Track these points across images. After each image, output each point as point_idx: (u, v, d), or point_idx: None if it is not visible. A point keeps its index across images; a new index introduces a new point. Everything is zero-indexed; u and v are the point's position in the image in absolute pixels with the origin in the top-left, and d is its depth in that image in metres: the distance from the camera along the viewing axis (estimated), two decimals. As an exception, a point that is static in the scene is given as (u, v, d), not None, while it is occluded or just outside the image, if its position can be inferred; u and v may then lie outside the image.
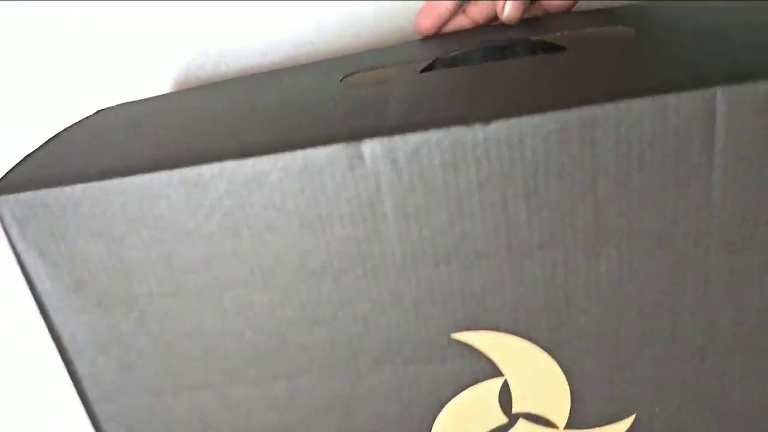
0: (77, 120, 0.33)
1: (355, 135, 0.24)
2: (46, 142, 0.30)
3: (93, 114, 0.34)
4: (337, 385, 0.28)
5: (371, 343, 0.27)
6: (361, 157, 0.24)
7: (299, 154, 0.24)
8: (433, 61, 0.32)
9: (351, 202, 0.25)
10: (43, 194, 0.26)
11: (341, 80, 0.31)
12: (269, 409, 0.29)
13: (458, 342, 0.27)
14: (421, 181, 0.24)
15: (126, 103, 0.36)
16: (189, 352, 0.28)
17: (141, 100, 0.36)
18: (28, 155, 0.29)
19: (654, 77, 0.24)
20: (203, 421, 0.29)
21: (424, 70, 0.31)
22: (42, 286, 0.27)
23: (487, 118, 0.23)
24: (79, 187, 0.25)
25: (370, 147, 0.24)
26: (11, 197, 0.26)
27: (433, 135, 0.23)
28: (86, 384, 0.29)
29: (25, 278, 0.27)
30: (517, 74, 0.27)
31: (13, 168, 0.28)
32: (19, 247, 0.27)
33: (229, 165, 0.24)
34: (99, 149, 0.28)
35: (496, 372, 0.28)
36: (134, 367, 0.28)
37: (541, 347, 0.27)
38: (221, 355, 0.28)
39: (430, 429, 0.29)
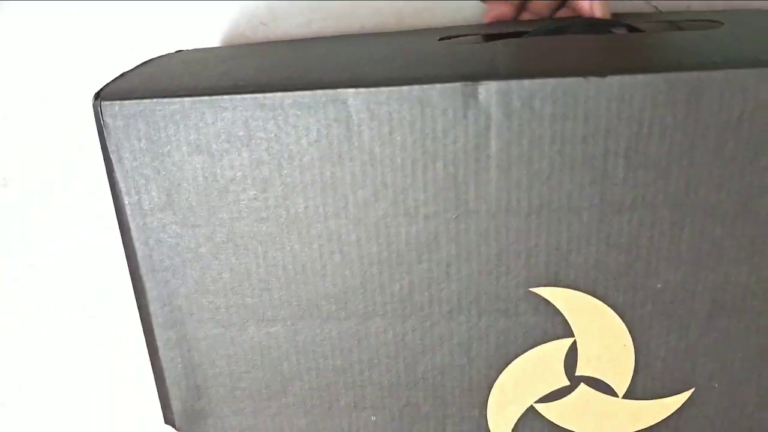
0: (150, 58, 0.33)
1: (472, 76, 0.25)
2: (137, 66, 0.30)
3: (172, 53, 0.35)
4: (407, 331, 0.29)
5: (449, 291, 0.28)
6: (475, 98, 0.25)
7: (416, 89, 0.25)
8: (522, 32, 0.33)
9: (458, 142, 0.25)
10: (149, 104, 0.26)
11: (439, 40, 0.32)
12: (335, 350, 0.29)
13: (535, 296, 0.28)
14: (529, 129, 0.25)
15: (205, 48, 0.36)
16: (266, 284, 0.28)
17: (221, 47, 0.36)
18: (122, 74, 0.29)
19: (751, 52, 0.25)
20: (266, 357, 0.29)
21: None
22: (129, 199, 0.27)
23: (602, 72, 0.24)
24: (187, 100, 0.26)
25: (486, 89, 0.25)
26: (116, 104, 0.26)
27: (549, 83, 0.24)
28: (153, 307, 0.29)
29: (111, 192, 0.27)
30: (618, 43, 0.29)
31: (111, 81, 0.28)
32: (115, 156, 0.27)
33: (346, 92, 0.25)
34: (200, 71, 0.28)
35: (567, 332, 0.28)
36: (207, 294, 0.28)
37: (615, 310, 0.28)
38: (298, 289, 0.28)
39: (492, 386, 0.29)
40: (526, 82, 0.24)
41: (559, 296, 0.28)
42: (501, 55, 0.27)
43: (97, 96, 0.26)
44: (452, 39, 0.32)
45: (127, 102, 0.26)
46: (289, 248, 0.27)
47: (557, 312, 0.28)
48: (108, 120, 0.26)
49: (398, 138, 0.25)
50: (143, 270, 0.28)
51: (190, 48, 0.35)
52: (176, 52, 0.35)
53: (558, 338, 0.28)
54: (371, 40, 0.33)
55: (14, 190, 0.41)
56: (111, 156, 0.27)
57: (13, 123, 0.41)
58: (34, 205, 0.41)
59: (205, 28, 0.37)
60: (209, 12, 0.37)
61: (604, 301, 0.28)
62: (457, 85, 0.25)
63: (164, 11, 0.38)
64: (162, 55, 0.33)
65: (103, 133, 0.26)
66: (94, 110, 0.26)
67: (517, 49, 0.28)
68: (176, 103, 0.26)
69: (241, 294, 0.28)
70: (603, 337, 0.28)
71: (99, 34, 0.39)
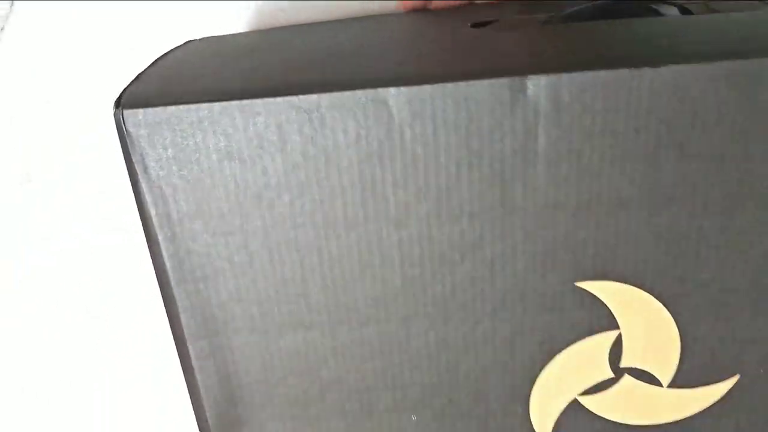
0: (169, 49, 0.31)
1: (520, 70, 0.23)
2: (153, 64, 0.28)
3: (183, 44, 0.33)
4: (449, 332, 0.28)
5: (493, 289, 0.27)
6: (524, 92, 0.23)
7: (461, 86, 0.23)
8: (550, 17, 0.31)
9: (504, 139, 0.24)
10: (175, 111, 0.24)
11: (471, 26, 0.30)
12: (374, 353, 0.28)
13: (581, 291, 0.27)
14: (579, 123, 0.24)
15: (217, 36, 0.34)
16: (303, 290, 0.27)
17: (235, 34, 0.34)
18: (139, 75, 0.27)
19: None
20: (303, 362, 0.28)
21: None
22: (156, 210, 0.26)
23: (655, 62, 0.23)
24: (216, 106, 0.24)
25: (535, 83, 0.23)
26: (139, 111, 0.24)
27: (601, 76, 0.23)
28: (184, 317, 0.28)
29: (137, 201, 0.26)
30: (669, 28, 0.27)
31: (129, 85, 0.26)
32: (139, 166, 0.25)
33: (386, 91, 0.24)
34: (223, 69, 0.27)
35: (613, 324, 0.28)
36: (241, 303, 0.27)
37: (662, 302, 0.27)
38: (336, 294, 0.27)
39: (534, 381, 0.29)
40: (577, 75, 0.23)
41: (605, 289, 0.27)
42: (547, 45, 0.26)
43: (118, 103, 0.24)
44: (487, 25, 0.30)
45: (150, 110, 0.24)
46: (326, 253, 0.26)
47: (603, 305, 0.27)
48: (131, 129, 0.24)
49: (442, 137, 0.24)
50: (173, 281, 0.27)
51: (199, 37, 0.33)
52: (186, 43, 0.33)
53: (603, 331, 0.28)
54: (396, 24, 0.32)
55: (19, 191, 0.40)
56: (135, 166, 0.25)
57: (18, 124, 0.40)
58: (37, 206, 0.40)
59: (223, 17, 0.36)
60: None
61: (651, 293, 0.27)
62: (505, 80, 0.23)
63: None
64: (175, 48, 0.31)
65: (126, 142, 0.25)
66: (115, 119, 0.24)
67: (564, 37, 0.26)
68: (204, 109, 0.24)
69: (277, 301, 0.27)
70: (649, 328, 0.28)
71: (107, 26, 0.37)
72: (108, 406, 0.45)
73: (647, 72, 0.23)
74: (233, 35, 0.34)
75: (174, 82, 0.26)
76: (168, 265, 0.27)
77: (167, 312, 0.28)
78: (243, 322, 0.28)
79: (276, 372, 0.29)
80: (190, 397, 0.30)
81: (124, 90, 0.25)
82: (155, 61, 0.29)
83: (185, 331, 0.28)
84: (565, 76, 0.23)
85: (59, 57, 0.38)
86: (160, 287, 0.27)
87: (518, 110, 0.24)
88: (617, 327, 0.28)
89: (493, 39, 0.27)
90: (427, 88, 0.23)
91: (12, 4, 0.37)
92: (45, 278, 0.42)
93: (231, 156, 0.25)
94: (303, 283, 0.27)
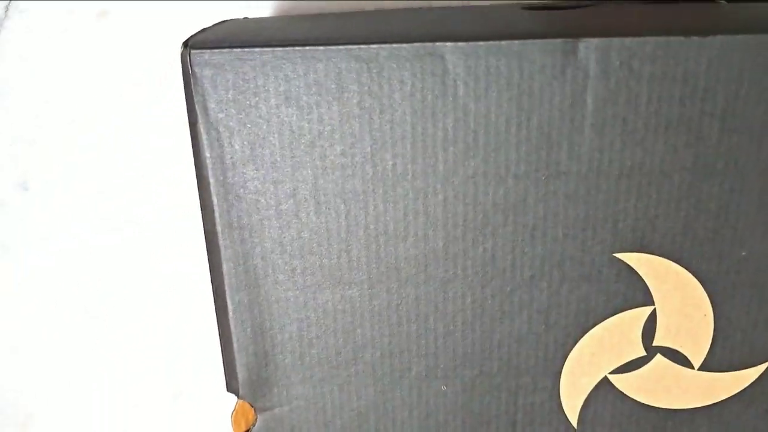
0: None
1: (572, 33, 0.25)
2: (215, 24, 0.30)
3: (239, 18, 0.34)
4: (486, 297, 0.28)
5: (532, 255, 0.27)
6: (575, 54, 0.24)
7: (515, 44, 0.24)
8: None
9: (553, 99, 0.25)
10: (239, 53, 0.25)
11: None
12: (411, 315, 0.28)
13: (619, 262, 0.27)
14: (626, 88, 0.25)
15: (269, 17, 0.36)
16: (346, 245, 0.27)
17: (287, 16, 0.36)
18: (203, 29, 0.28)
19: None
20: (339, 321, 0.29)
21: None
22: (211, 152, 0.26)
23: (703, 32, 0.24)
24: (279, 50, 0.25)
25: (586, 46, 0.24)
26: (206, 52, 0.25)
27: (650, 42, 0.24)
28: (226, 267, 0.28)
29: (192, 145, 0.27)
30: (720, 10, 0.29)
31: (195, 33, 0.27)
32: (200, 107, 0.26)
33: (444, 46, 0.25)
34: (284, 27, 0.28)
35: (648, 300, 0.28)
36: (284, 255, 0.28)
37: (698, 278, 0.27)
38: (378, 250, 0.27)
39: (567, 356, 0.29)
40: (627, 40, 0.24)
41: (642, 262, 0.27)
42: (598, 16, 0.27)
43: (186, 44, 0.25)
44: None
45: (217, 51, 0.25)
46: (372, 207, 0.27)
47: (639, 278, 0.28)
48: (196, 69, 0.25)
49: (494, 94, 0.25)
50: (219, 227, 0.27)
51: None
52: (243, 18, 0.34)
53: (638, 306, 0.28)
54: (447, 11, 0.33)
55: (18, 191, 0.40)
56: (196, 107, 0.26)
57: (17, 124, 0.39)
58: (36, 207, 0.40)
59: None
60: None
61: (687, 269, 0.27)
62: (558, 41, 0.24)
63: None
64: (233, 19, 0.32)
65: (190, 83, 0.26)
66: (181, 59, 0.25)
67: (615, 10, 0.28)
68: (268, 52, 0.25)
69: (320, 255, 0.28)
70: (683, 306, 0.28)
71: (108, 26, 0.37)
72: (107, 406, 0.44)
73: (695, 41, 0.24)
74: (287, 16, 0.36)
75: (238, 33, 0.27)
76: (216, 211, 0.27)
77: (209, 263, 0.28)
78: (284, 275, 0.28)
79: (311, 330, 0.29)
80: (222, 355, 0.30)
81: (192, 36, 0.26)
82: (216, 24, 0.30)
83: (225, 281, 0.28)
84: (615, 41, 0.24)
85: (59, 57, 0.37)
86: (205, 235, 0.28)
87: (568, 72, 0.25)
88: (652, 303, 0.28)
89: (546, 13, 0.28)
90: (482, 45, 0.24)
91: (8, 5, 0.36)
92: (44, 278, 0.41)
93: (289, 101, 0.25)
94: (347, 237, 0.27)
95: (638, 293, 0.28)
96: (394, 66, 0.25)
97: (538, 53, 0.24)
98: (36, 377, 0.44)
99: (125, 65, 0.37)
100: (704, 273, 0.27)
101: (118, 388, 0.43)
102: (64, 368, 0.43)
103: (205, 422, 0.43)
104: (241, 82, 0.25)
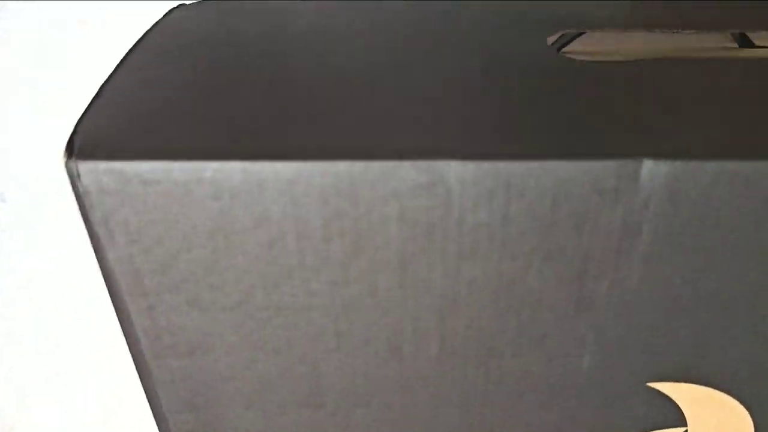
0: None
1: (630, 147, 0.17)
2: (113, 75, 0.21)
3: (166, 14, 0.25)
4: (485, 421, 0.23)
5: (545, 384, 0.22)
6: (636, 180, 0.17)
7: (550, 165, 0.17)
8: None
9: (595, 234, 0.18)
10: (146, 168, 0.17)
11: (550, 44, 0.23)
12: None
13: (651, 390, 0.22)
14: (692, 215, 0.18)
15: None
16: (314, 369, 0.22)
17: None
18: (99, 93, 0.20)
19: None
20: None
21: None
22: (125, 280, 0.19)
23: None
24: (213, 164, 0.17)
25: (650, 169, 0.17)
26: (101, 165, 0.17)
27: (727, 166, 0.17)
28: (163, 393, 0.22)
29: (102, 270, 0.20)
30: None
31: (84, 114, 0.19)
32: (102, 230, 0.18)
33: (464, 166, 0.17)
34: (205, 111, 0.20)
35: (680, 422, 0.23)
36: (235, 380, 0.22)
37: (743, 403, 0.23)
38: (356, 376, 0.22)
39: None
40: (710, 165, 0.17)
41: (680, 391, 0.22)
42: (662, 98, 0.19)
43: (70, 152, 0.17)
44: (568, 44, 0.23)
45: (116, 164, 0.17)
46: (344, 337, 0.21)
47: (673, 404, 0.23)
48: (89, 185, 0.18)
49: (513, 227, 0.18)
50: (148, 356, 0.21)
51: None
52: (171, 11, 0.25)
53: (668, 428, 0.23)
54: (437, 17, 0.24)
55: (17, 191, 0.39)
56: (97, 230, 0.18)
57: (16, 124, 0.38)
58: (35, 207, 0.39)
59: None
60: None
61: (729, 394, 0.22)
62: (611, 163, 0.17)
63: None
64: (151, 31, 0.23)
65: (83, 200, 0.18)
66: (67, 170, 0.18)
67: (676, 79, 0.20)
68: (191, 168, 0.17)
69: (281, 378, 0.22)
70: (721, 428, 0.23)
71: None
72: (106, 406, 0.43)
73: None
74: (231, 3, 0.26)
75: (140, 120, 0.19)
76: (142, 342, 0.21)
77: (142, 384, 0.22)
78: (239, 397, 0.22)
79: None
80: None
81: (78, 124, 0.18)
82: (116, 68, 0.21)
83: (164, 406, 0.23)
84: (694, 164, 0.17)
85: (38, 65, 0.36)
86: (134, 362, 0.22)
87: (621, 200, 0.18)
88: (685, 425, 0.23)
89: (578, 73, 0.20)
90: (518, 165, 0.17)
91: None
92: (43, 278, 0.40)
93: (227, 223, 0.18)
94: (314, 365, 0.21)
95: (669, 416, 0.23)
96: (380, 189, 0.17)
97: (580, 177, 0.17)
98: (36, 377, 0.43)
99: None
100: (749, 398, 0.22)
101: (119, 387, 0.43)
102: (63, 368, 0.43)
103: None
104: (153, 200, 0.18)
